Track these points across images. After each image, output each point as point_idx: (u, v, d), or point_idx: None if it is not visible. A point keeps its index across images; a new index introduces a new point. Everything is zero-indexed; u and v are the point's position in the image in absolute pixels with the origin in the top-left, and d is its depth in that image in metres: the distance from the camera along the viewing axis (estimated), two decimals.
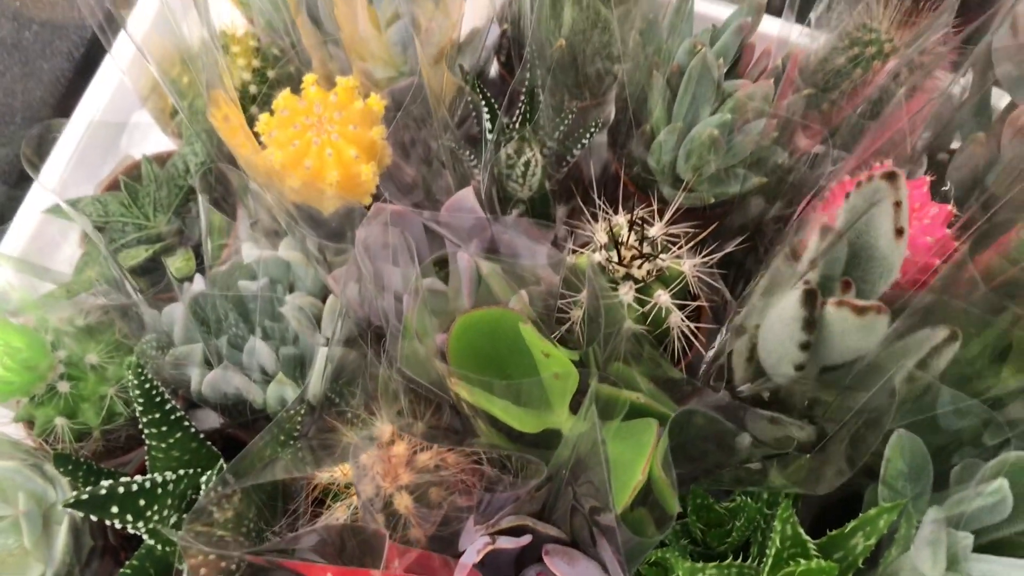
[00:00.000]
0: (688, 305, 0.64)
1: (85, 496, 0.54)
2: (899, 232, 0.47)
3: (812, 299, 0.46)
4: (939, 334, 0.50)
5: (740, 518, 0.56)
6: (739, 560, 0.54)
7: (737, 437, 0.64)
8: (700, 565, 0.52)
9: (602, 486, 0.51)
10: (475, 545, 0.54)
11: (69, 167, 0.73)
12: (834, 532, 0.54)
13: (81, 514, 0.64)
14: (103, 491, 0.55)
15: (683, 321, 0.64)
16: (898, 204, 0.46)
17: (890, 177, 0.45)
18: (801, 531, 0.52)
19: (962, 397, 0.53)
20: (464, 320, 0.53)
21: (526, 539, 0.57)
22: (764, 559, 0.52)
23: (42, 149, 0.68)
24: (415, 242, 0.61)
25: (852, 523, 0.53)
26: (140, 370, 0.57)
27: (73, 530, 0.63)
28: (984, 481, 0.51)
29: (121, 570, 0.60)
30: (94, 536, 0.65)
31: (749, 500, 0.55)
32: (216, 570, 0.54)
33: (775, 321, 0.51)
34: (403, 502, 0.58)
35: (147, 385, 0.58)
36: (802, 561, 0.51)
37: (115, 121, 0.73)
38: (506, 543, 0.55)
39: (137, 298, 0.62)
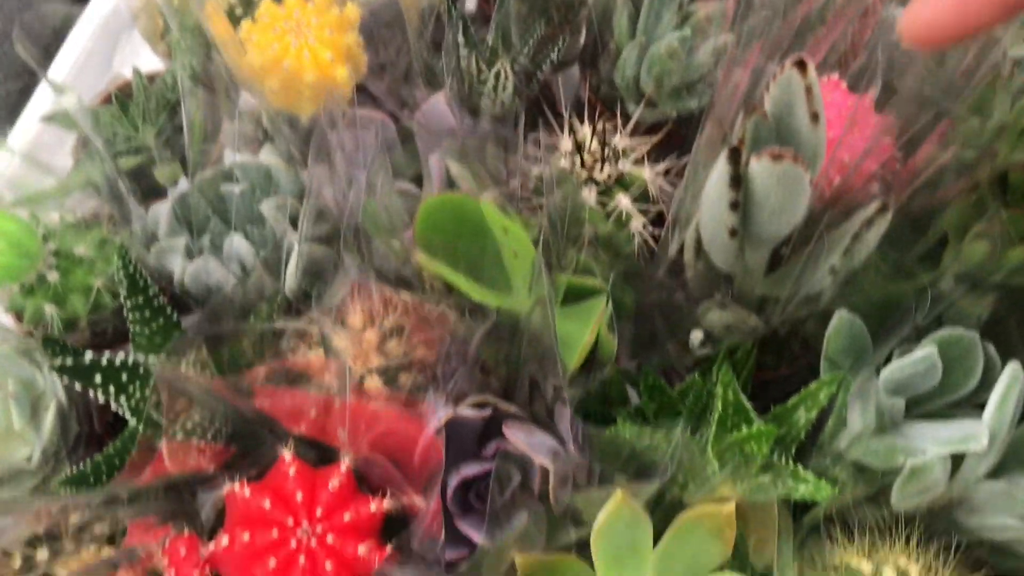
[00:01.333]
0: (649, 211, 0.67)
1: (71, 361, 0.57)
2: (814, 116, 0.51)
3: (736, 156, 0.50)
4: (870, 207, 0.54)
5: (689, 397, 0.59)
6: None
7: (691, 332, 0.68)
8: (646, 428, 0.55)
9: (550, 351, 0.54)
10: (439, 414, 0.57)
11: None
12: (776, 408, 0.57)
13: (67, 400, 0.67)
14: (88, 360, 0.58)
15: (644, 227, 0.68)
16: (809, 90, 0.49)
17: (799, 65, 0.49)
18: (743, 398, 0.55)
19: (895, 279, 0.57)
20: (429, 203, 0.57)
21: (486, 412, 0.60)
22: (708, 426, 0.55)
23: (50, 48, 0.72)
24: (389, 149, 0.64)
25: (794, 398, 0.56)
26: (126, 254, 0.61)
27: (60, 414, 0.66)
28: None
29: (106, 449, 0.63)
30: (80, 422, 0.69)
31: (698, 378, 0.59)
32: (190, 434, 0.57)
33: (708, 191, 0.55)
34: (373, 384, 0.62)
35: (131, 269, 0.61)
36: (744, 427, 0.55)
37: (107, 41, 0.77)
38: (468, 412, 0.58)
39: (127, 196, 0.65)
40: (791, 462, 0.53)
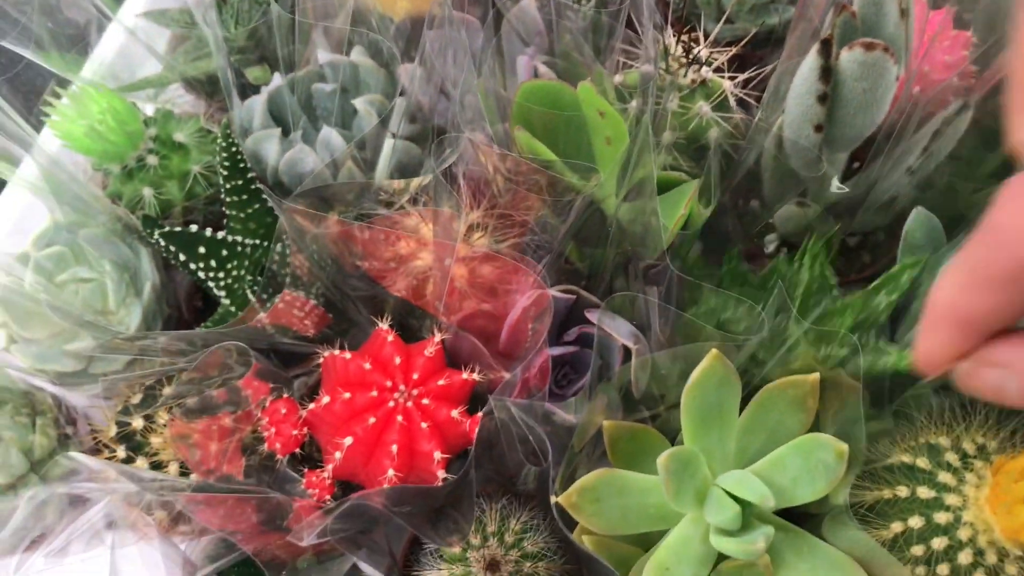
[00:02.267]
0: (729, 118, 0.69)
1: (178, 230, 0.60)
2: (903, 12, 0.53)
3: (828, 48, 0.51)
4: (952, 107, 0.55)
5: (772, 280, 0.60)
6: None
7: (765, 236, 0.70)
8: (731, 298, 0.56)
9: (651, 229, 0.56)
10: (527, 295, 0.60)
11: None
12: (858, 292, 0.57)
13: (159, 283, 0.70)
14: (193, 231, 0.61)
15: (722, 135, 0.70)
16: None
17: None
18: (829, 272, 0.56)
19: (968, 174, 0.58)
20: (527, 86, 0.59)
21: (572, 297, 0.62)
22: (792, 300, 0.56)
23: None
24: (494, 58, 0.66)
25: (876, 281, 0.56)
26: (228, 135, 0.63)
27: (154, 296, 0.69)
28: None
29: (203, 324, 0.66)
30: (169, 305, 0.71)
31: (781, 261, 0.59)
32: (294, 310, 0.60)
33: (797, 83, 0.56)
34: (460, 272, 0.64)
35: (233, 149, 0.63)
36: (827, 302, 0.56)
37: None
38: (555, 294, 0.60)
39: (230, 86, 0.68)
40: (873, 339, 0.54)
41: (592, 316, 0.60)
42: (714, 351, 0.49)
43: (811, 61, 0.56)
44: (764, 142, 0.66)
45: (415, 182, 0.61)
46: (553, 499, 0.50)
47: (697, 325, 0.58)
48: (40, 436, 0.65)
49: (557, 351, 0.62)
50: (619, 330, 0.59)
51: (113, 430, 0.65)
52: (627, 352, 0.59)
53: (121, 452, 0.64)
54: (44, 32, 0.62)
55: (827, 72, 0.55)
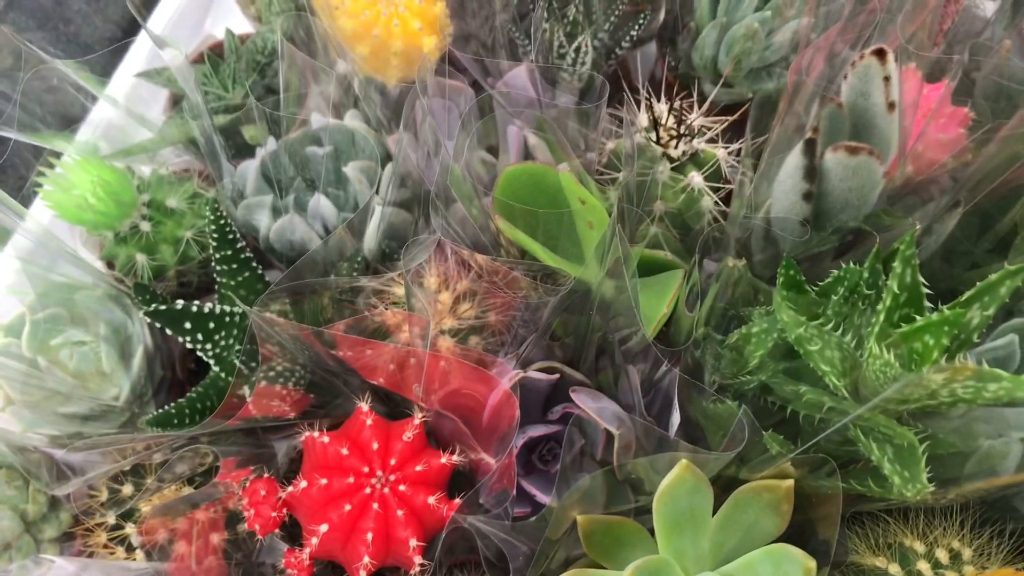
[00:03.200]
0: (720, 188, 0.69)
1: (163, 307, 0.61)
2: (891, 106, 0.52)
3: (812, 147, 0.50)
4: (942, 202, 0.54)
5: (839, 289, 0.51)
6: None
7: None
8: (803, 319, 0.48)
9: (629, 311, 0.56)
10: (509, 374, 0.60)
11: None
12: (948, 306, 0.47)
13: (153, 346, 0.71)
14: (179, 307, 0.62)
15: (715, 204, 0.69)
16: (887, 79, 0.50)
17: (879, 54, 0.50)
18: (920, 280, 0.47)
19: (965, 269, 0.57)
20: (509, 171, 0.59)
21: (555, 376, 0.62)
22: (875, 313, 0.48)
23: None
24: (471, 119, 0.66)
25: (969, 292, 0.47)
26: (216, 207, 0.63)
27: (147, 358, 0.70)
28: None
29: (189, 393, 0.67)
30: (164, 367, 0.72)
31: (852, 266, 0.51)
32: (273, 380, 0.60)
33: (782, 178, 0.56)
34: (445, 344, 0.64)
35: (222, 221, 0.64)
36: (918, 318, 0.47)
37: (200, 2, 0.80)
38: (537, 375, 0.60)
39: (220, 151, 0.68)
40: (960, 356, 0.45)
41: (576, 396, 0.60)
42: (683, 462, 0.48)
43: (796, 160, 0.55)
44: (753, 222, 0.66)
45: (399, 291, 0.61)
46: None
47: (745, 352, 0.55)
48: (32, 504, 0.66)
49: (540, 431, 0.62)
50: (602, 413, 0.59)
51: (104, 494, 0.66)
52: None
53: (110, 518, 0.65)
54: (35, 110, 0.63)
55: (812, 171, 0.55)
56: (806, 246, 0.62)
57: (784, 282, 0.53)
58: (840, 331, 0.49)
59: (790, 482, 0.50)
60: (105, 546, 0.67)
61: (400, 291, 0.67)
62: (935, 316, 0.45)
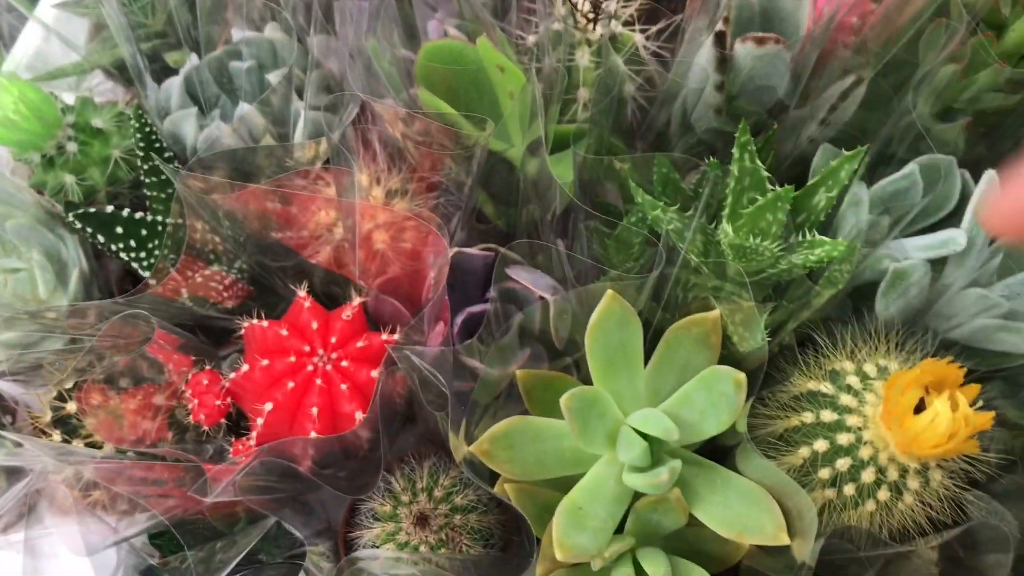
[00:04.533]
0: (641, 71, 0.70)
1: (93, 211, 0.60)
2: None
3: (722, 39, 0.52)
4: (847, 80, 0.57)
5: (704, 186, 0.57)
6: None
7: None
8: (662, 204, 0.54)
9: (549, 180, 0.57)
10: (446, 255, 0.60)
11: None
12: (797, 191, 0.53)
13: (89, 270, 0.71)
14: (109, 211, 0.62)
15: (635, 90, 0.71)
16: None
17: None
18: (760, 166, 0.53)
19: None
20: (429, 47, 0.59)
21: (490, 254, 0.63)
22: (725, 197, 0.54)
23: None
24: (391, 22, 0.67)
25: (814, 179, 0.53)
26: (141, 115, 0.63)
27: (83, 283, 0.70)
28: None
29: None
30: (100, 291, 0.72)
31: (713, 162, 0.56)
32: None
33: (694, 73, 0.57)
34: (380, 238, 0.65)
35: (148, 130, 0.64)
36: (759, 198, 0.52)
37: None
38: (471, 250, 0.61)
39: (144, 71, 0.68)
40: (808, 231, 0.52)
41: (511, 271, 0.61)
42: (609, 292, 0.49)
43: (707, 52, 0.57)
44: (671, 110, 0.67)
45: (324, 145, 0.61)
46: (464, 448, 0.51)
47: (627, 240, 0.58)
48: None
49: (479, 308, 0.62)
50: (536, 283, 0.60)
51: (48, 415, 0.66)
52: None
53: (57, 436, 0.65)
54: None
55: (723, 62, 0.56)
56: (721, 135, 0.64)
57: (658, 179, 0.58)
58: (698, 214, 0.55)
59: (716, 313, 0.52)
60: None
61: (330, 192, 0.67)
62: (770, 195, 0.50)
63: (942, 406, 0.44)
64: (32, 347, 0.69)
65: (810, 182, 0.55)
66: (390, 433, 0.56)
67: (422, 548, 0.58)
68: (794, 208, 0.54)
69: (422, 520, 0.58)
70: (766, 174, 0.53)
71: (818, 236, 0.52)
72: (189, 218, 0.56)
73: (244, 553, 0.54)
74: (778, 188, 0.51)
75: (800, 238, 0.53)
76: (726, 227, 0.53)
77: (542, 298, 0.60)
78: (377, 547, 0.59)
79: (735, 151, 0.53)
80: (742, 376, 0.48)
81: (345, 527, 0.63)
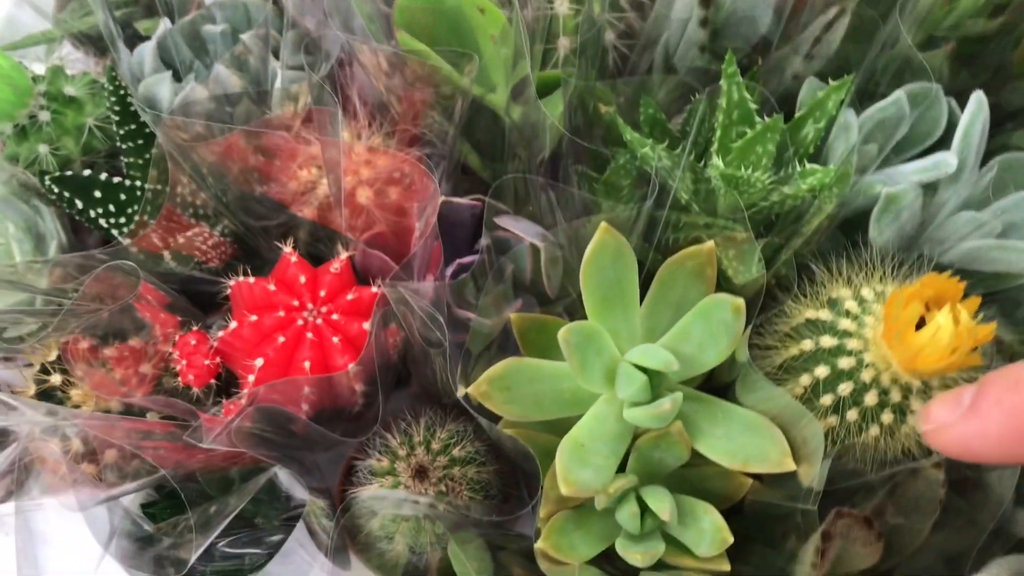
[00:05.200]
0: (621, 19, 0.69)
1: (69, 174, 0.59)
2: None
3: None
4: (830, 12, 0.56)
5: (692, 123, 0.57)
6: None
7: None
8: (650, 142, 0.53)
9: (535, 127, 0.56)
10: (435, 197, 0.59)
11: None
12: (785, 124, 0.54)
13: (67, 242, 0.69)
14: (87, 175, 0.60)
15: (616, 38, 0.70)
16: None
17: None
18: (748, 98, 0.53)
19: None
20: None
21: (477, 204, 0.62)
22: (714, 131, 0.54)
23: None
24: None
25: (801, 111, 0.54)
26: (114, 78, 0.62)
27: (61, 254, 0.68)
28: None
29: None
30: None
31: (701, 99, 0.56)
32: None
33: (677, 10, 0.57)
34: (364, 194, 0.64)
35: (122, 92, 0.62)
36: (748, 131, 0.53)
37: None
38: (457, 200, 0.60)
39: (116, 37, 0.67)
40: (799, 163, 0.53)
41: (500, 220, 0.60)
42: (603, 224, 0.49)
43: None
44: (653, 54, 0.66)
45: (303, 98, 0.60)
46: (461, 390, 0.50)
47: (617, 183, 0.57)
48: None
49: (468, 259, 0.62)
50: (526, 231, 0.59)
51: (33, 389, 0.64)
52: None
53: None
54: None
55: None
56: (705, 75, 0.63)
57: (645, 120, 0.58)
58: (687, 150, 0.54)
59: (711, 244, 0.51)
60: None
61: (312, 149, 0.66)
62: (760, 126, 0.51)
63: (944, 319, 0.43)
64: (13, 326, 0.67)
65: (797, 114, 0.55)
66: (385, 387, 0.55)
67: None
68: (783, 142, 0.54)
69: (421, 473, 0.57)
70: (754, 106, 0.54)
71: (809, 165, 0.52)
72: (171, 172, 0.54)
73: (238, 511, 0.53)
74: (767, 119, 0.51)
75: (790, 170, 0.53)
76: (716, 160, 0.53)
77: (532, 245, 0.59)
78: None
79: (723, 83, 0.53)
80: (740, 301, 0.48)
81: (341, 487, 0.62)
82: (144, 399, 0.50)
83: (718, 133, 0.53)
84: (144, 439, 0.50)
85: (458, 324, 0.60)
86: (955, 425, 0.27)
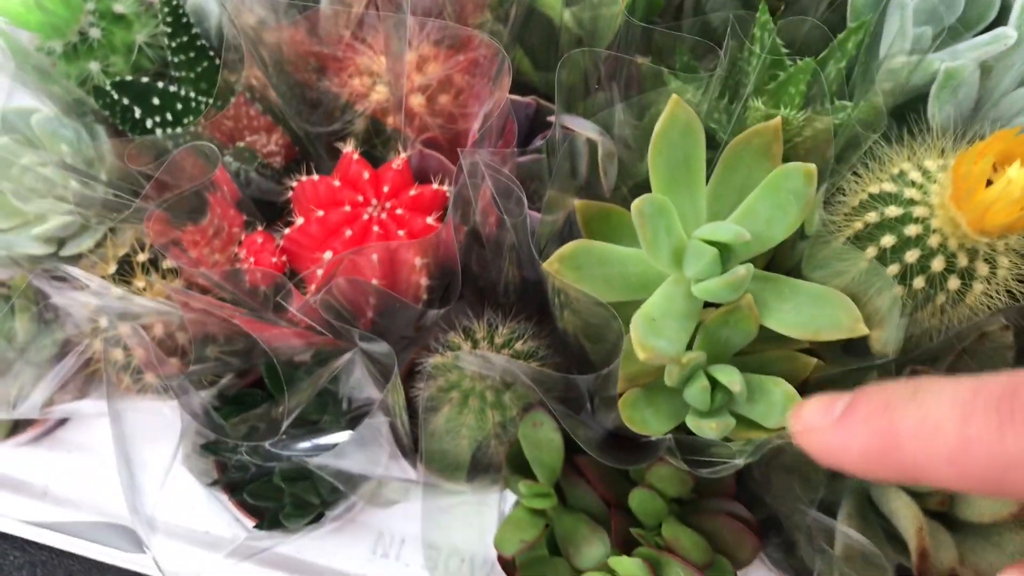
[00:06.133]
0: None
1: (130, 79, 0.59)
2: None
3: None
4: None
5: (723, 66, 0.60)
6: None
7: None
8: (681, 83, 0.56)
9: (602, 15, 0.57)
10: (501, 83, 0.60)
11: None
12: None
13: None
14: (145, 81, 0.61)
15: None
16: None
17: None
18: (779, 42, 0.56)
19: None
20: None
21: (531, 103, 0.63)
22: (748, 75, 0.57)
23: None
24: None
25: (824, 52, 0.57)
26: None
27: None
28: None
29: None
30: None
31: (733, 44, 0.59)
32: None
33: None
34: (416, 100, 0.64)
35: (175, 3, 0.63)
36: (781, 74, 0.57)
37: None
38: (515, 97, 0.61)
39: None
40: (829, 97, 0.55)
41: (556, 119, 0.61)
42: (674, 96, 0.49)
43: None
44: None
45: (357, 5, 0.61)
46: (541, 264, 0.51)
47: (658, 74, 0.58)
48: (21, 318, 0.65)
49: (522, 159, 0.62)
50: (583, 126, 0.60)
51: (112, 266, 0.65)
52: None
53: (103, 322, 0.64)
54: None
55: None
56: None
57: (680, 67, 0.60)
58: (719, 93, 0.58)
59: (777, 120, 0.52)
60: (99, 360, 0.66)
61: (365, 61, 0.66)
62: (792, 69, 0.54)
63: (1015, 172, 0.44)
64: (72, 239, 0.68)
65: (820, 57, 0.57)
66: (451, 280, 0.56)
67: (487, 394, 0.58)
68: (812, 82, 0.56)
69: None
70: (785, 51, 0.56)
71: (839, 102, 0.54)
72: (246, 56, 0.55)
73: (304, 406, 0.54)
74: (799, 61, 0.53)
75: (819, 106, 0.55)
76: (754, 102, 0.56)
77: (590, 140, 0.60)
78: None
79: (756, 30, 0.56)
80: (812, 167, 0.48)
81: (405, 385, 0.63)
82: (224, 274, 0.50)
83: (752, 76, 0.55)
84: (224, 322, 0.51)
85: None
86: (822, 432, 0.27)
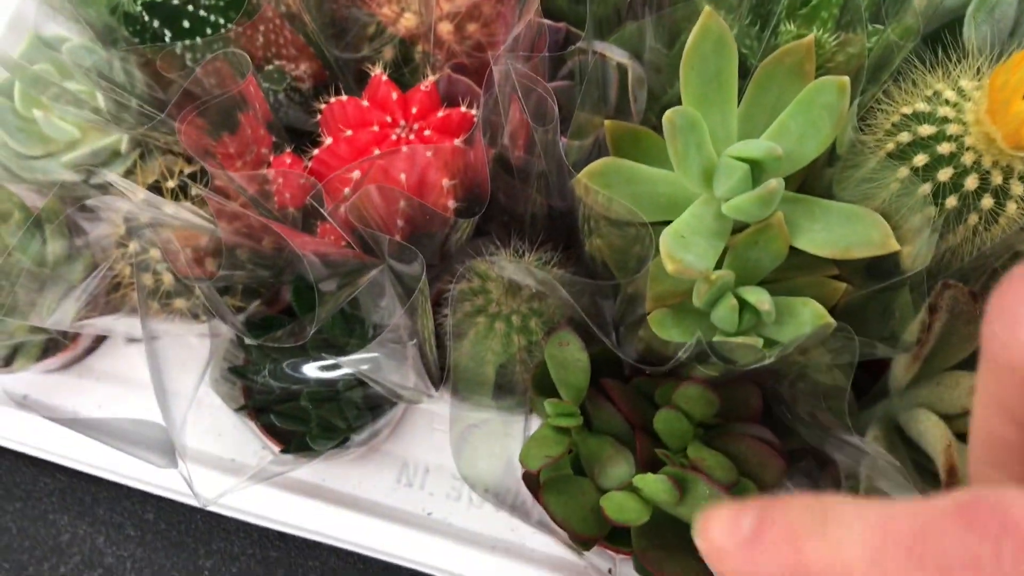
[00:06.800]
0: None
1: (160, 0, 0.60)
2: None
3: None
4: None
5: None
6: None
7: None
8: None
9: None
10: (520, 24, 0.60)
11: None
12: None
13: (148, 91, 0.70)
14: (176, 3, 0.61)
15: None
16: None
17: None
18: None
19: None
20: None
21: (561, 27, 0.62)
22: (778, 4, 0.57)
23: None
24: None
25: None
26: None
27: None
28: None
29: None
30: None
31: None
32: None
33: None
34: (445, 28, 0.64)
35: None
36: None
37: None
38: (547, 21, 0.61)
39: None
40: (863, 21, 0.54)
41: (585, 43, 0.61)
42: (707, 9, 0.49)
43: None
44: None
45: None
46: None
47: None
48: (52, 241, 0.65)
49: (554, 84, 0.62)
50: (613, 51, 0.60)
51: (123, 229, 0.66)
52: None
53: (133, 246, 0.65)
54: None
55: None
56: None
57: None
58: (750, 21, 0.58)
59: (810, 38, 0.51)
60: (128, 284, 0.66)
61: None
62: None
63: None
64: (102, 167, 0.69)
65: None
66: (479, 201, 0.56)
67: (514, 318, 0.58)
68: (844, 6, 0.56)
69: (513, 288, 0.58)
70: None
71: (872, 25, 0.53)
72: None
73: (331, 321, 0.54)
74: None
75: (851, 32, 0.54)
76: (788, 26, 0.55)
77: (620, 65, 0.60)
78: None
79: None
80: (845, 79, 0.48)
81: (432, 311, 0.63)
82: (257, 179, 0.50)
83: (784, 3, 0.55)
84: (256, 230, 0.51)
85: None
86: (732, 553, 0.26)
